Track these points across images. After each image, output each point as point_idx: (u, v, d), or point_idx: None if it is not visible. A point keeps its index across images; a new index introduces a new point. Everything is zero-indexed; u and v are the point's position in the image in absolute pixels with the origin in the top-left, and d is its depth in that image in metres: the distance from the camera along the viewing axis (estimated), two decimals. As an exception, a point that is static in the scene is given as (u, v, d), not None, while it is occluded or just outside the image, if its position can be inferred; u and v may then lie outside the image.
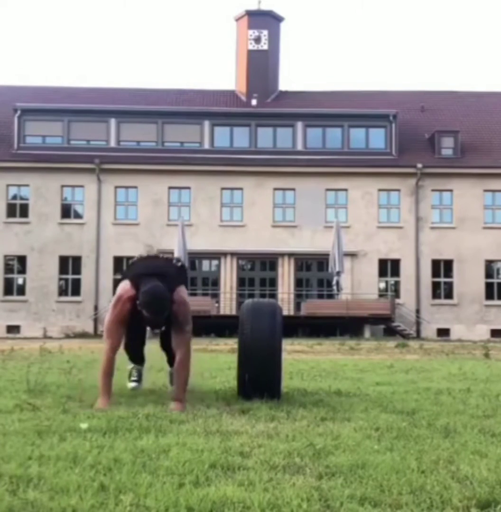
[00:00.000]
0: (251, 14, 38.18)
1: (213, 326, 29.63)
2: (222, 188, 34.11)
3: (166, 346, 6.31)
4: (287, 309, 30.68)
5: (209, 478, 3.17)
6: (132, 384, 6.67)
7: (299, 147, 34.85)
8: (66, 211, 34.20)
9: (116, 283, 27.85)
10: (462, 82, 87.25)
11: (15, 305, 33.31)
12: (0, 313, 33.14)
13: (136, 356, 6.80)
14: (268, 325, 5.86)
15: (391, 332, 31.52)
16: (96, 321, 33.08)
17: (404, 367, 10.77)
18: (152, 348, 7.12)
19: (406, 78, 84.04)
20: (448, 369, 10.31)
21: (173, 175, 33.73)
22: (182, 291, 5.68)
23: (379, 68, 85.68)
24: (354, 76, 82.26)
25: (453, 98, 38.44)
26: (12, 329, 32.61)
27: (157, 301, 5.35)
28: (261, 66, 37.69)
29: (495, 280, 34.14)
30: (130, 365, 6.85)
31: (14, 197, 34.14)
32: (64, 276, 33.86)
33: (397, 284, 33.90)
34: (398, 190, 34.08)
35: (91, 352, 15.51)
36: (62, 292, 33.87)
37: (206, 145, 34.76)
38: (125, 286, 5.70)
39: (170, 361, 6.31)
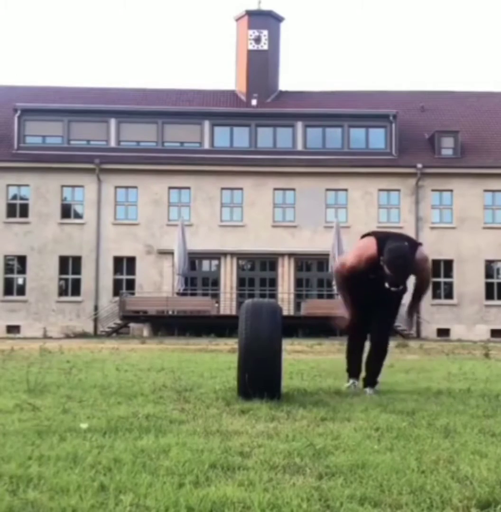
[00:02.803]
0: (251, 14, 38.18)
1: (213, 326, 29.64)
2: (222, 188, 34.11)
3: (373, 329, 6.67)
4: (287, 309, 30.68)
5: (209, 478, 3.17)
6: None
7: (299, 147, 34.85)
8: (66, 211, 34.19)
9: (116, 282, 27.78)
10: (462, 82, 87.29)
11: (15, 305, 33.31)
12: (0, 313, 33.14)
13: (356, 364, 6.86)
14: (268, 325, 5.86)
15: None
16: (96, 321, 33.09)
17: (404, 367, 10.76)
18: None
19: (406, 78, 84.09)
20: (448, 369, 10.30)
21: (173, 175, 33.73)
22: (423, 250, 6.29)
23: (379, 68, 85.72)
24: (354, 76, 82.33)
25: (453, 98, 38.44)
26: (12, 329, 32.61)
27: (402, 258, 5.87)
28: (261, 66, 37.69)
29: (495, 280, 34.13)
30: (349, 383, 6.90)
31: (14, 197, 34.14)
32: (64, 276, 33.86)
33: (397, 284, 33.85)
34: (398, 190, 34.08)
35: (91, 352, 15.52)
36: (62, 292, 33.87)
37: (206, 145, 34.76)
38: (369, 242, 6.22)
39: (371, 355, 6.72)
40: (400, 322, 31.87)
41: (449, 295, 33.84)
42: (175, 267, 31.97)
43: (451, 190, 34.08)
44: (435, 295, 33.72)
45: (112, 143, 34.70)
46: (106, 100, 35.99)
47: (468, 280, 33.57)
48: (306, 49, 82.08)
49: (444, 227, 33.87)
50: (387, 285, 6.00)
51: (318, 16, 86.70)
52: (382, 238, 6.19)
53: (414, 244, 6.27)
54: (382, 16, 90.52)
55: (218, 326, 29.23)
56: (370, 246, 6.17)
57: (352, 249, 6.55)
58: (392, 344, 22.05)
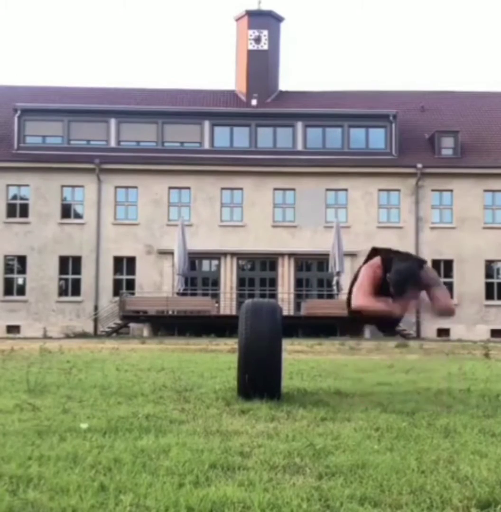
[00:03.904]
0: (251, 14, 38.18)
1: (213, 326, 29.63)
2: (222, 188, 34.11)
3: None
4: (287, 309, 30.66)
5: (209, 478, 3.17)
6: None
7: (299, 147, 34.85)
8: (66, 211, 34.19)
9: (116, 282, 27.68)
10: (462, 82, 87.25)
11: (15, 305, 33.30)
12: (0, 313, 33.13)
13: None
14: (268, 325, 5.86)
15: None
16: (96, 321, 33.09)
17: (404, 367, 10.77)
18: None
19: (406, 78, 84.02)
20: (448, 369, 10.30)
21: (173, 175, 33.72)
22: (427, 266, 6.13)
23: (379, 68, 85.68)
24: (354, 76, 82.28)
25: (453, 98, 38.44)
26: (12, 329, 32.60)
27: (409, 281, 5.69)
28: (261, 66, 37.68)
29: (495, 280, 34.13)
30: None
31: (14, 197, 34.13)
32: (64, 276, 33.85)
33: (397, 284, 33.84)
34: (398, 190, 34.07)
35: (91, 352, 15.53)
36: (62, 292, 33.86)
37: (206, 145, 34.76)
38: (376, 259, 6.07)
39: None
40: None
41: (449, 295, 33.82)
42: (175, 267, 31.97)
43: (451, 190, 34.08)
44: (435, 295, 33.70)
45: (112, 143, 34.70)
46: (106, 100, 35.97)
47: (468, 280, 33.57)
48: (306, 49, 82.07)
49: (444, 227, 33.87)
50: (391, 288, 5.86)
51: (318, 16, 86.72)
52: (388, 257, 6.02)
53: (420, 263, 6.09)
54: (382, 16, 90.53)
55: (218, 326, 29.22)
56: (377, 259, 6.06)
57: (360, 274, 6.30)
58: (391, 344, 21.93)
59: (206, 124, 34.83)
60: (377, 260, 6.10)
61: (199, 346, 19.62)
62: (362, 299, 6.09)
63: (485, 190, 34.09)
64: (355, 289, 6.19)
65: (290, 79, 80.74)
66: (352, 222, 33.66)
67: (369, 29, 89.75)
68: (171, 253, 32.36)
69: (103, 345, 19.83)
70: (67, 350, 15.79)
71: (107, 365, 10.74)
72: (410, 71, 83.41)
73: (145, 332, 30.92)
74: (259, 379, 5.75)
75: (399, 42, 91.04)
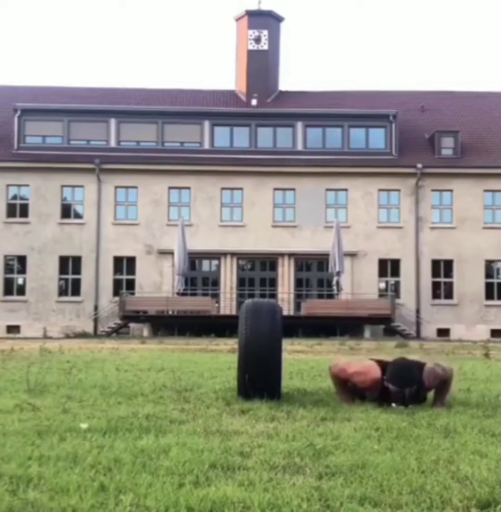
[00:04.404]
0: (251, 14, 38.17)
1: (213, 326, 29.63)
2: (222, 188, 34.10)
3: None
4: (287, 309, 30.65)
5: (209, 478, 3.17)
6: None
7: (299, 147, 34.84)
8: (66, 211, 34.18)
9: (116, 282, 27.72)
10: (462, 82, 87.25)
11: (15, 305, 33.30)
12: (0, 313, 33.13)
13: None
14: (268, 325, 5.86)
15: (391, 332, 31.51)
16: (96, 321, 33.08)
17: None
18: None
19: (406, 78, 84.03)
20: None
21: (173, 175, 33.71)
22: (428, 366, 5.93)
23: (379, 68, 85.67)
24: (354, 76, 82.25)
25: (453, 98, 38.44)
26: (12, 329, 32.60)
27: (405, 370, 5.74)
28: (261, 66, 37.67)
29: (495, 280, 34.12)
30: None
31: (14, 197, 34.12)
32: (64, 276, 33.85)
33: (397, 284, 33.89)
34: (398, 190, 34.06)
35: (91, 352, 15.52)
36: (62, 292, 33.85)
37: (206, 145, 34.75)
38: (374, 364, 6.05)
39: None
40: (399, 322, 31.94)
41: (449, 295, 33.83)
42: (175, 267, 31.97)
43: (451, 190, 34.07)
44: (435, 295, 33.72)
45: (112, 143, 34.69)
46: (106, 100, 35.97)
47: (468, 280, 33.56)
48: (306, 49, 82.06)
49: (444, 227, 33.86)
50: (393, 405, 5.66)
51: (318, 16, 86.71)
52: (386, 363, 6.01)
53: (419, 366, 5.93)
54: (382, 16, 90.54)
55: (218, 326, 29.23)
56: (375, 368, 5.97)
57: (357, 364, 6.33)
58: (391, 344, 21.91)
59: (206, 124, 34.83)
60: (375, 367, 5.97)
61: (199, 346, 19.61)
62: (341, 371, 6.05)
63: (485, 190, 34.08)
64: (353, 365, 6.22)
65: (290, 79, 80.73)
66: (352, 222, 33.65)
67: (369, 29, 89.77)
68: (171, 253, 32.36)
69: (103, 345, 19.83)
70: (67, 350, 15.79)
71: (107, 365, 10.74)
72: (410, 71, 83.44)
73: (145, 332, 30.92)
74: (259, 379, 5.75)
75: (398, 42, 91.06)
